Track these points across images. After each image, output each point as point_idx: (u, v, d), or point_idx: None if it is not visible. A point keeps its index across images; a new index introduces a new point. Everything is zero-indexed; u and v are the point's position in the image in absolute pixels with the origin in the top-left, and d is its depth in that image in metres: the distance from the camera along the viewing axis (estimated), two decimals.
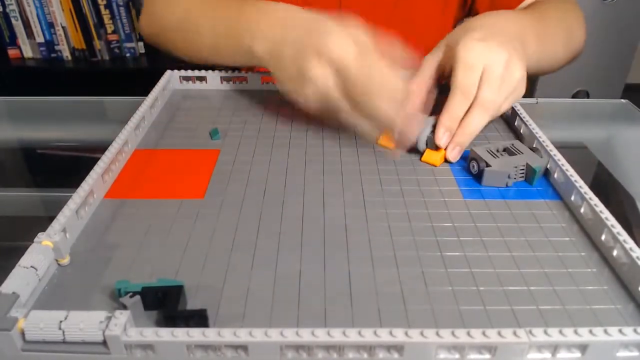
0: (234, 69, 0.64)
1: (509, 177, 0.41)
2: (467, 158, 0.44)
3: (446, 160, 0.45)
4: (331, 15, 0.45)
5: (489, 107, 0.44)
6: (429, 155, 0.45)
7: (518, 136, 0.50)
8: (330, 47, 0.42)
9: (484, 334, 0.26)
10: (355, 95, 0.42)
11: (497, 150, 0.44)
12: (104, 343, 0.26)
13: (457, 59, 0.44)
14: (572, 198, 0.39)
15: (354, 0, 0.68)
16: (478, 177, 0.42)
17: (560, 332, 0.26)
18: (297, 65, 0.44)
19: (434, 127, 0.45)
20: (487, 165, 0.41)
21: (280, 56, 0.46)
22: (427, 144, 0.45)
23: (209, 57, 0.58)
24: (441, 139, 0.44)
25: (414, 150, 0.46)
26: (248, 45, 0.49)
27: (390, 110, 0.42)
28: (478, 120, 0.44)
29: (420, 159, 0.45)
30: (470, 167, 0.43)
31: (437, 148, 0.45)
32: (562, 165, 0.41)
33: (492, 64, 0.44)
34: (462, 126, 0.44)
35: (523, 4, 0.65)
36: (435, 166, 0.44)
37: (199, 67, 0.61)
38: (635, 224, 0.45)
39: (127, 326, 0.26)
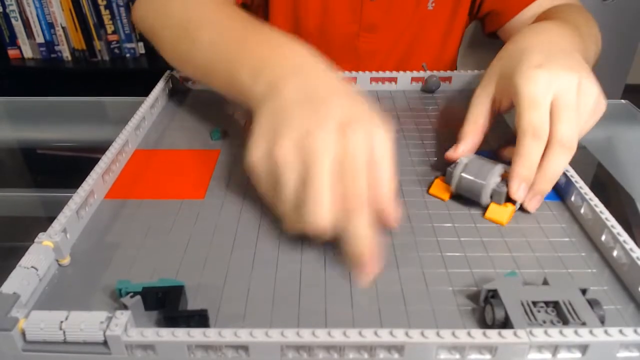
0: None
1: None
2: None
3: (522, 209, 0.39)
4: (347, 90, 0.36)
5: (570, 144, 0.37)
6: (495, 212, 0.38)
7: None
8: (316, 134, 0.32)
9: (484, 334, 0.26)
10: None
11: None
12: (105, 343, 0.26)
13: (520, 95, 0.38)
14: (572, 198, 0.39)
15: (373, 11, 0.68)
16: None
17: (561, 332, 0.26)
18: (274, 124, 0.34)
19: (501, 176, 0.38)
20: None
21: (268, 103, 0.36)
22: (492, 197, 0.38)
23: (201, 77, 0.50)
24: (518, 193, 0.37)
25: (473, 203, 0.39)
26: (247, 85, 0.39)
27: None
28: (560, 162, 0.37)
29: (483, 216, 0.38)
30: None
31: (505, 201, 0.38)
32: None
33: (562, 93, 0.37)
34: (542, 171, 0.37)
35: (532, 6, 0.64)
36: (502, 225, 0.37)
37: None
38: (635, 224, 0.45)
39: (127, 326, 0.26)
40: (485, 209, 0.38)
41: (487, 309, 0.29)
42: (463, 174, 0.38)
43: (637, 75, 1.64)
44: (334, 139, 0.32)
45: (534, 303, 0.28)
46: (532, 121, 0.37)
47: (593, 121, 0.40)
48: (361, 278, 0.32)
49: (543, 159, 0.37)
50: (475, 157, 0.40)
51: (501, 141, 0.46)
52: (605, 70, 1.45)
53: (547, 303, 0.29)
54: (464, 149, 0.42)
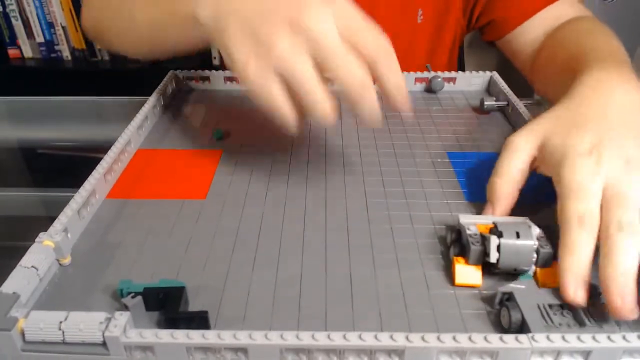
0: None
1: None
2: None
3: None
4: None
5: (632, 228, 0.29)
6: (546, 276, 0.31)
7: None
8: (308, 15, 0.32)
9: (485, 339, 0.25)
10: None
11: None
12: (104, 344, 0.26)
13: (563, 186, 0.32)
14: None
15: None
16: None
17: (563, 337, 0.25)
18: (254, 32, 0.33)
19: (538, 239, 0.31)
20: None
21: (230, 17, 0.35)
22: (537, 262, 0.31)
23: (147, 45, 0.49)
24: (575, 293, 0.28)
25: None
26: (190, 11, 0.38)
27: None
28: (627, 254, 0.28)
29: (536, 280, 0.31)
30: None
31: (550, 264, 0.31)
32: None
33: (613, 183, 0.31)
34: (614, 269, 0.28)
35: (534, 18, 0.62)
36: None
37: (202, 67, 0.61)
38: None
39: (126, 327, 0.26)
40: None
41: (502, 312, 0.28)
42: (503, 240, 0.31)
43: (637, 75, 1.63)
44: (329, 11, 0.33)
45: (550, 306, 0.28)
46: (579, 210, 0.30)
47: None
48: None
49: (609, 250, 0.29)
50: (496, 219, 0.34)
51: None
52: None
53: (562, 306, 0.28)
54: (500, 211, 0.36)
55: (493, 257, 0.30)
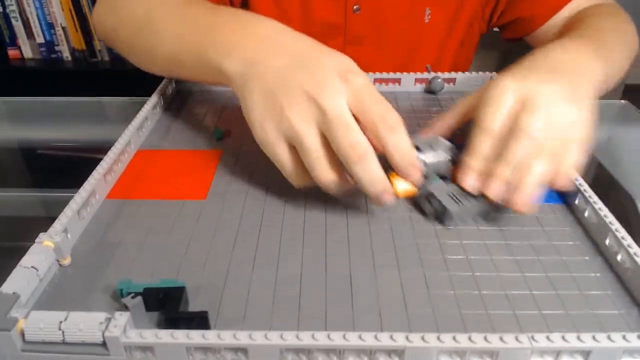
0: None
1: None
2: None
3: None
4: (329, 49, 0.38)
5: (537, 137, 0.36)
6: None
7: None
8: (323, 91, 0.35)
9: (485, 339, 0.25)
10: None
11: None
12: (104, 344, 0.26)
13: (484, 96, 0.38)
14: (576, 202, 0.39)
15: (358, 24, 0.67)
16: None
17: (563, 337, 0.25)
18: (273, 98, 0.36)
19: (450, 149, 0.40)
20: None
21: (255, 81, 0.37)
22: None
23: (166, 68, 0.50)
24: (467, 182, 0.37)
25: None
26: (217, 62, 0.40)
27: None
28: (521, 150, 0.36)
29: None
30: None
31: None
32: None
33: (530, 99, 0.37)
34: (503, 161, 0.36)
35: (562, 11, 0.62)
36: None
37: None
38: (635, 224, 0.44)
39: (126, 328, 0.26)
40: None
41: (426, 206, 0.38)
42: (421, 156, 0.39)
43: (636, 76, 1.63)
44: (343, 89, 0.35)
45: (458, 195, 0.37)
46: (484, 121, 0.37)
47: (571, 146, 0.37)
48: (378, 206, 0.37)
49: (504, 150, 0.36)
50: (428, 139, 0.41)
51: None
52: None
53: (468, 194, 0.37)
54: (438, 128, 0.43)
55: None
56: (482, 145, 0.37)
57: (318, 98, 0.34)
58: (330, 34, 0.67)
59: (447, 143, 0.40)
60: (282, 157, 0.37)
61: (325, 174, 0.36)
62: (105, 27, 0.57)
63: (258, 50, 0.39)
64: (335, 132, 0.34)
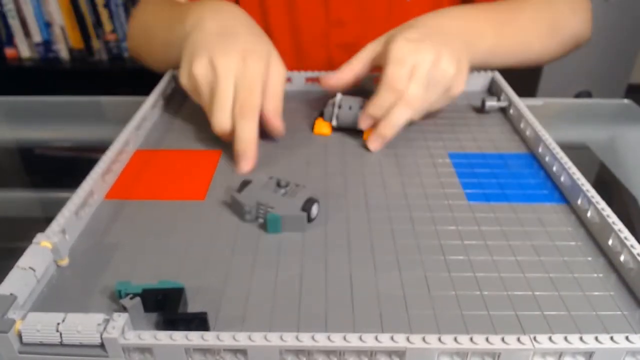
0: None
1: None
2: None
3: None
4: (259, 36, 0.48)
5: (413, 103, 0.45)
6: (367, 133, 0.48)
7: (523, 138, 0.49)
8: (218, 58, 0.44)
9: (487, 340, 0.25)
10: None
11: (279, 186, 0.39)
12: (102, 346, 0.26)
13: (388, 56, 0.46)
14: (579, 202, 0.38)
15: (340, 5, 0.67)
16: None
17: (565, 338, 0.25)
18: (189, 55, 0.46)
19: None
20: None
21: (188, 40, 0.47)
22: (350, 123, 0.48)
23: (161, 57, 0.59)
24: (364, 123, 0.47)
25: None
26: (180, 29, 0.50)
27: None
28: (401, 114, 0.45)
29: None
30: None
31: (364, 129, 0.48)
32: (569, 168, 0.40)
33: (421, 62, 0.45)
34: (385, 118, 0.45)
35: None
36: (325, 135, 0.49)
37: None
38: (637, 224, 0.44)
39: (125, 329, 0.26)
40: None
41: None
42: (340, 110, 0.48)
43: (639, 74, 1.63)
44: (235, 62, 0.43)
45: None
46: (391, 76, 0.45)
47: (446, 97, 0.48)
48: (238, 169, 0.43)
49: (389, 110, 0.45)
50: (344, 96, 0.49)
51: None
52: (608, 70, 1.45)
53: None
54: (338, 79, 0.51)
55: (333, 121, 0.49)
56: (383, 99, 0.45)
57: (215, 61, 0.43)
58: (313, 17, 0.68)
59: (362, 101, 0.48)
60: (204, 97, 0.45)
61: (219, 120, 0.44)
62: (132, 50, 0.70)
63: (202, 17, 0.48)
64: (238, 88, 0.43)
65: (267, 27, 0.70)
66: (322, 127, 0.50)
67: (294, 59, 0.71)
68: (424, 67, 0.45)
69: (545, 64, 0.63)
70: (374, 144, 0.46)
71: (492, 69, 0.58)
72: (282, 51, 0.48)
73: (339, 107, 0.48)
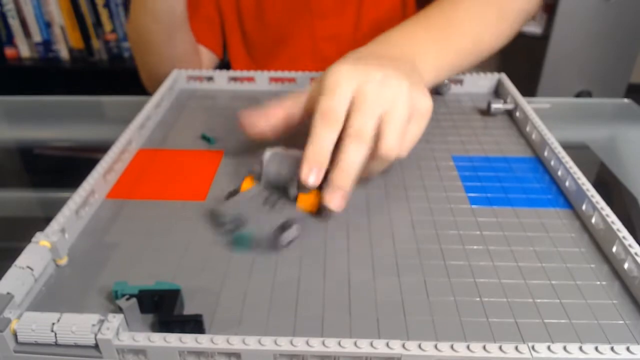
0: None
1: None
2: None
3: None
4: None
5: (363, 135, 0.35)
6: (303, 200, 0.37)
7: (529, 142, 0.48)
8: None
9: (484, 348, 0.25)
10: None
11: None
12: (96, 346, 0.26)
13: (321, 87, 0.38)
14: (584, 207, 0.38)
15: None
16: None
17: (565, 348, 0.25)
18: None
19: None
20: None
21: None
22: (299, 188, 0.37)
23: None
24: (308, 178, 0.35)
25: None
26: None
27: None
28: (354, 154, 0.35)
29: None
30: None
31: (312, 189, 0.37)
32: (574, 173, 0.40)
33: (362, 88, 0.36)
34: (337, 164, 0.35)
35: None
36: (313, 213, 0.37)
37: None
38: (638, 224, 0.44)
39: (119, 330, 0.26)
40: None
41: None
42: (267, 169, 0.37)
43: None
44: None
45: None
46: (325, 105, 0.36)
47: (415, 122, 0.38)
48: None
49: (338, 151, 0.36)
50: (278, 150, 0.38)
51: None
52: (608, 70, 1.44)
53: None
54: (262, 126, 0.40)
55: (261, 181, 0.38)
56: (323, 136, 0.36)
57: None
58: (299, 9, 0.68)
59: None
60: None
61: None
62: (132, 49, 0.69)
63: None
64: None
65: (261, 22, 0.70)
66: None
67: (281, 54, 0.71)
68: (367, 92, 0.36)
69: (500, 46, 0.57)
70: (333, 201, 0.35)
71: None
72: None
73: (268, 164, 0.38)
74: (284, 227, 0.34)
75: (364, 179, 0.39)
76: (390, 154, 0.36)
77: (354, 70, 0.38)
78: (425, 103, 0.39)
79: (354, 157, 0.35)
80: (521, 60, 1.35)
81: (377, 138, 0.36)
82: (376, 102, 0.36)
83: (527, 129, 0.49)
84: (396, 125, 0.36)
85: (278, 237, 0.34)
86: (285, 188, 0.37)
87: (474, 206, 0.39)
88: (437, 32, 0.49)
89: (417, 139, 0.39)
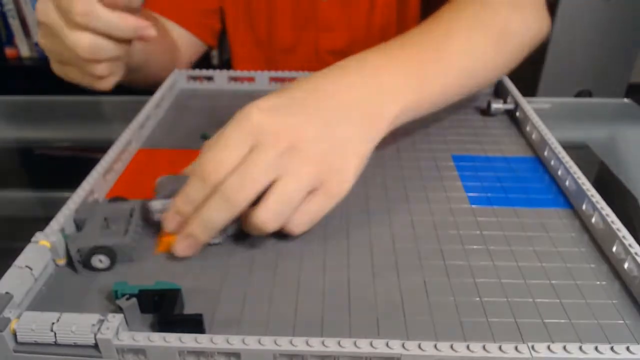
0: None
1: None
2: None
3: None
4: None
5: (232, 198, 0.32)
6: (165, 241, 0.35)
7: (529, 142, 0.48)
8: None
9: (484, 348, 0.25)
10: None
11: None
12: (96, 346, 0.26)
13: (223, 130, 0.34)
14: (584, 207, 0.38)
15: (328, 10, 0.67)
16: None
17: (564, 348, 0.25)
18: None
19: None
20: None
21: None
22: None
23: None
24: (169, 223, 0.34)
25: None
26: None
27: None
28: (216, 214, 0.32)
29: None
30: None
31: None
32: (574, 173, 0.40)
33: (259, 148, 0.32)
34: (198, 214, 0.33)
35: None
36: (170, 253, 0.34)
37: (207, 67, 0.60)
38: (638, 224, 0.44)
39: (119, 330, 0.26)
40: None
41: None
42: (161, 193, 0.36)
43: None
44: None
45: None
46: (206, 158, 0.33)
47: (318, 198, 0.34)
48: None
49: (203, 202, 0.33)
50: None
51: None
52: (609, 70, 1.44)
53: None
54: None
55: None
56: (194, 190, 0.33)
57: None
58: (303, 23, 0.68)
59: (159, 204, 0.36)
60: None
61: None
62: None
63: None
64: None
65: (255, 39, 0.71)
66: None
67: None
68: (264, 152, 0.32)
69: (498, 79, 0.53)
70: (180, 245, 0.33)
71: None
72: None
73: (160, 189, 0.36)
74: (89, 254, 0.32)
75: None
76: (260, 227, 0.32)
77: (264, 122, 0.33)
78: (340, 184, 0.34)
79: (214, 217, 0.32)
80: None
81: (255, 204, 0.32)
82: (266, 168, 0.32)
83: (527, 128, 0.49)
84: (279, 198, 0.32)
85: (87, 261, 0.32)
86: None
87: (473, 206, 0.39)
88: (421, 64, 0.41)
89: (316, 218, 0.34)
